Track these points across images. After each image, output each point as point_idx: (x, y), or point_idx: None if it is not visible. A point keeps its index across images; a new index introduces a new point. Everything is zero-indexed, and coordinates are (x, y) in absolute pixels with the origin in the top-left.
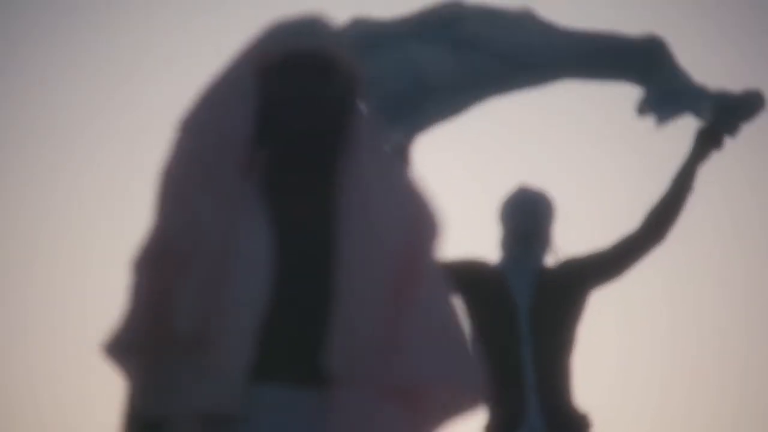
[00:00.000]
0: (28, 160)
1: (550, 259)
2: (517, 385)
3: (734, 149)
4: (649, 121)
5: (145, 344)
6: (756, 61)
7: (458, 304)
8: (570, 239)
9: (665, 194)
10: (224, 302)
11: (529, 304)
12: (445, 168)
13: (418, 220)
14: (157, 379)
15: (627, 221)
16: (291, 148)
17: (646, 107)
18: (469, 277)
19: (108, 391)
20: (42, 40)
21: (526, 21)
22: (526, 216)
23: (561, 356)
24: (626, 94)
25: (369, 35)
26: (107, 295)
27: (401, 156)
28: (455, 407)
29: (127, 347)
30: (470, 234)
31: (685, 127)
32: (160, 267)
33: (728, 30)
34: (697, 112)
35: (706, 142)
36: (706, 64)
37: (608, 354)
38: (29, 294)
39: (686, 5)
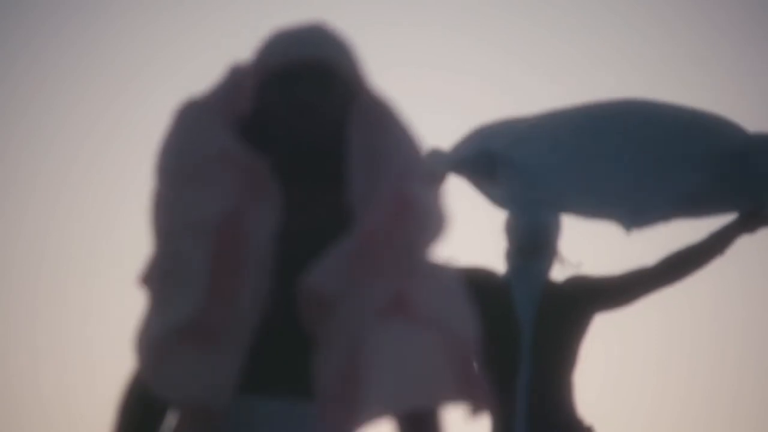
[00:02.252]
0: (32, 162)
1: (558, 273)
2: (512, 395)
3: None
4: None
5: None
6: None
7: None
8: (576, 251)
9: (695, 247)
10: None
11: (532, 316)
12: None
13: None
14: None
15: (631, 236)
16: (290, 159)
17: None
18: (474, 285)
19: (109, 394)
20: (44, 41)
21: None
22: (530, 229)
23: (561, 370)
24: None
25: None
26: (110, 297)
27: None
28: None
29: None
30: (481, 244)
31: None
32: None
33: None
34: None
35: (755, 218)
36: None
37: (603, 367)
38: (33, 296)
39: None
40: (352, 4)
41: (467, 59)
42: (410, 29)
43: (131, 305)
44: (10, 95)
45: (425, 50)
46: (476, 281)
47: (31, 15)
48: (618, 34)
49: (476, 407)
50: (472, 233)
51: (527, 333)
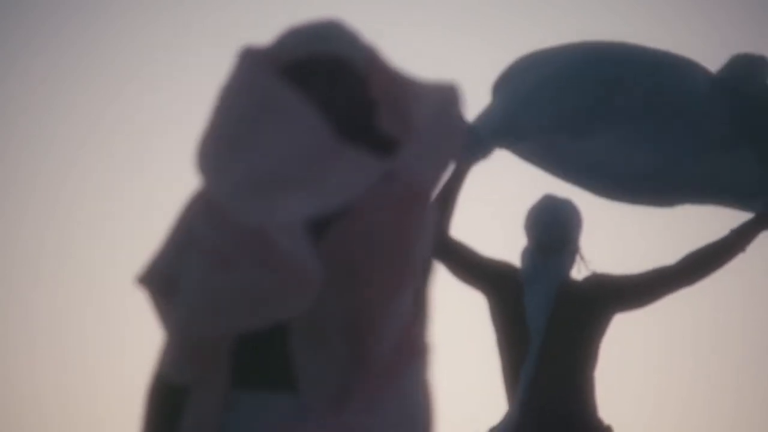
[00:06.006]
0: (32, 162)
1: (578, 271)
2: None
3: None
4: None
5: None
6: None
7: (481, 303)
8: (596, 250)
9: (716, 245)
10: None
11: (546, 314)
12: (480, 172)
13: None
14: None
15: (651, 232)
16: None
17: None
18: (494, 279)
19: (111, 394)
20: (44, 41)
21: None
22: (549, 226)
23: (578, 368)
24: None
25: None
26: (109, 297)
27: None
28: None
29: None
30: (503, 242)
31: None
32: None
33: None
34: None
35: None
36: None
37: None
38: (32, 295)
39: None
40: (352, 5)
41: (468, 59)
42: (410, 29)
43: (131, 305)
44: (10, 95)
45: (425, 50)
46: (497, 275)
47: (31, 15)
48: (618, 34)
49: None
50: (493, 230)
51: (536, 331)
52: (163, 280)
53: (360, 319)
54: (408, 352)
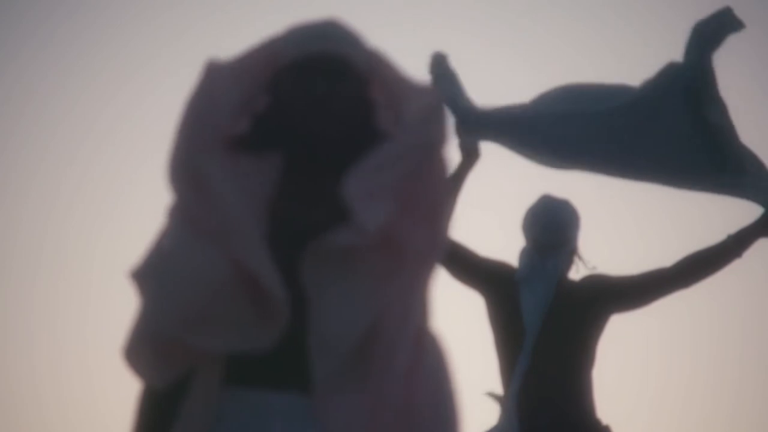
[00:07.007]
0: (31, 160)
1: (575, 271)
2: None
3: None
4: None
5: None
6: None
7: (478, 302)
8: (595, 250)
9: (712, 249)
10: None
11: (541, 314)
12: (478, 173)
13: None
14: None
15: (651, 233)
16: (301, 151)
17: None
18: (491, 279)
19: (110, 394)
20: (46, 41)
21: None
22: (547, 226)
23: (575, 368)
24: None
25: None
26: (108, 296)
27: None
28: None
29: None
30: (502, 242)
31: None
32: None
33: None
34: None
35: None
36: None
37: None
38: (30, 294)
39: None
40: (352, 5)
41: (468, 59)
42: (411, 29)
43: (130, 304)
44: (10, 95)
45: (425, 50)
46: (494, 275)
47: (31, 15)
48: (617, 34)
49: None
50: (491, 230)
51: (531, 330)
52: (155, 275)
53: (372, 322)
54: (422, 355)
